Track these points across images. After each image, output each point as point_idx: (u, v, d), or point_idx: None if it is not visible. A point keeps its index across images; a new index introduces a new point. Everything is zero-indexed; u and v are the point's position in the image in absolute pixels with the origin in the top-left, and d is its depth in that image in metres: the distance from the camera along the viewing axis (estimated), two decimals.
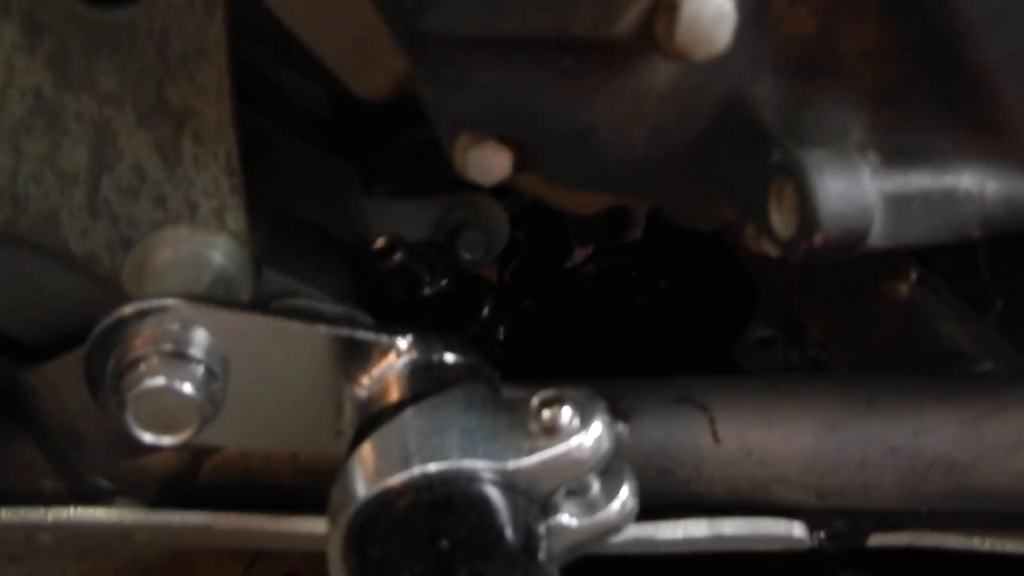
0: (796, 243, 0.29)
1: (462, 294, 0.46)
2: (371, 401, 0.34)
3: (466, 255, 0.50)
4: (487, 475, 0.30)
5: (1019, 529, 0.43)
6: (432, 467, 0.30)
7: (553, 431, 0.32)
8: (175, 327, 0.32)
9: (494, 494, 0.30)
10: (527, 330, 0.56)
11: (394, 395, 0.33)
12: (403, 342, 0.34)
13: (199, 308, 0.32)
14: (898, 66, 0.29)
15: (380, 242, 0.45)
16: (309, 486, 0.41)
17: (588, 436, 0.32)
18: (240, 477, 0.41)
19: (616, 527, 0.33)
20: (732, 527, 0.42)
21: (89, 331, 0.33)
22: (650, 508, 0.35)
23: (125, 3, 0.32)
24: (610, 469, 0.33)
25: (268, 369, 0.34)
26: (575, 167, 0.32)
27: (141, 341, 0.32)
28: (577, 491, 0.33)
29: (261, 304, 0.37)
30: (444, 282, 0.45)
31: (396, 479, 0.30)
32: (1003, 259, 0.49)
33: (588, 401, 0.32)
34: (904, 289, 0.50)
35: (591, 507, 0.33)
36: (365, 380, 0.34)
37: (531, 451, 0.31)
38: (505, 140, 0.31)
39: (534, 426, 0.32)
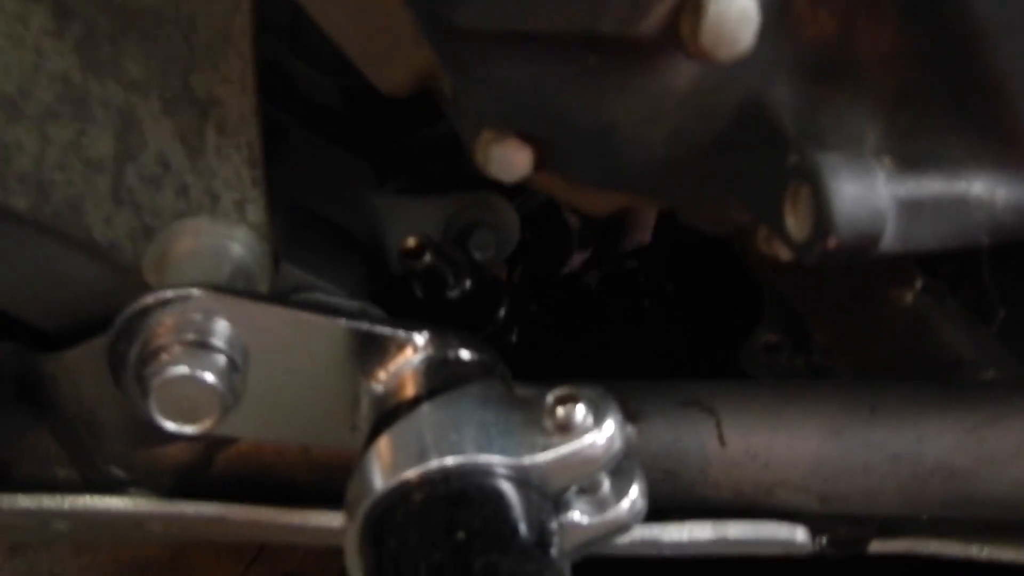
0: (810, 246, 0.29)
1: (481, 296, 0.47)
2: (387, 396, 0.34)
3: (477, 254, 0.50)
4: (502, 470, 0.31)
5: (1018, 538, 0.44)
6: (449, 461, 0.30)
7: (567, 428, 0.32)
8: (198, 316, 0.32)
9: (508, 489, 0.31)
10: (534, 332, 0.56)
11: (410, 390, 0.34)
12: (420, 338, 0.34)
13: (221, 298, 0.33)
14: (914, 71, 0.30)
15: (411, 242, 0.45)
16: (321, 480, 0.41)
17: (601, 434, 0.32)
18: (253, 470, 0.41)
19: (625, 526, 0.33)
20: (736, 530, 0.42)
21: (107, 319, 0.34)
22: (655, 510, 0.36)
23: None
24: (620, 468, 0.33)
25: (287, 361, 0.34)
26: (595, 165, 0.32)
27: (164, 330, 0.32)
28: (588, 489, 0.33)
29: (280, 297, 0.37)
30: (467, 284, 0.45)
31: (413, 472, 0.30)
32: (1006, 268, 0.50)
33: (601, 400, 0.33)
34: (909, 297, 0.51)
35: (601, 505, 0.33)
36: (382, 375, 0.34)
37: (545, 447, 0.32)
38: (526, 137, 0.31)
39: (548, 423, 0.32)
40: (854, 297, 0.52)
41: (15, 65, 0.33)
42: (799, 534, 0.43)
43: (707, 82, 0.30)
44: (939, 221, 0.30)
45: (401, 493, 0.30)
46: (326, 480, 0.41)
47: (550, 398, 0.32)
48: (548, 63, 0.29)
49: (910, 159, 0.30)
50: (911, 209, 0.30)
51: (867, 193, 0.29)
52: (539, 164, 0.32)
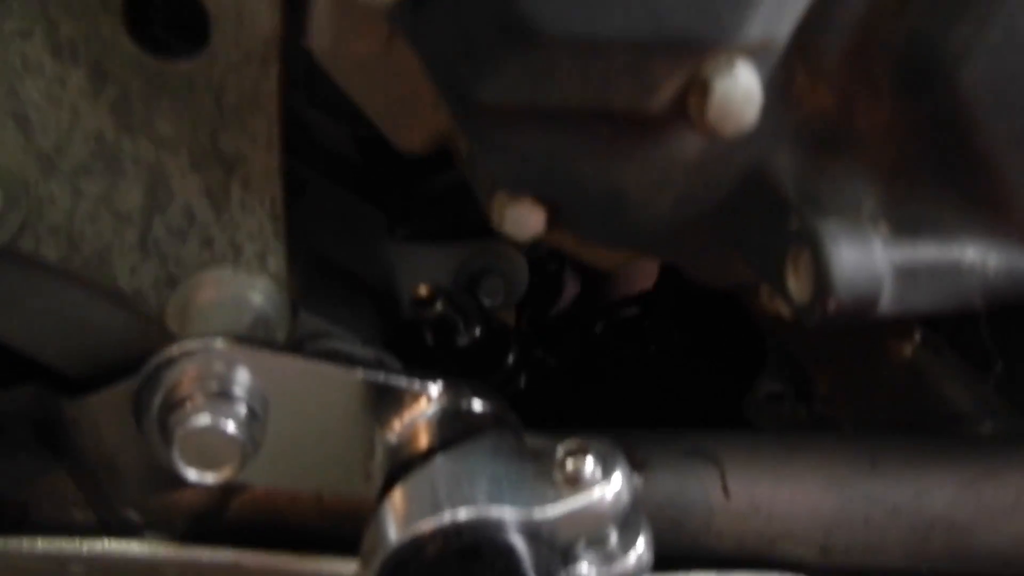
0: (811, 307, 0.31)
1: (490, 342, 0.48)
2: (401, 447, 0.35)
3: (486, 301, 0.51)
4: (513, 524, 0.31)
5: None
6: (462, 514, 0.31)
7: (576, 481, 0.33)
8: (220, 367, 0.33)
9: (519, 543, 0.31)
10: (541, 377, 0.57)
11: (423, 442, 0.34)
12: (434, 389, 0.35)
13: (243, 349, 0.34)
14: (909, 143, 0.31)
15: (423, 291, 0.46)
16: (333, 527, 0.41)
17: (610, 488, 0.33)
18: (266, 516, 0.41)
19: None
20: None
21: (127, 365, 0.34)
22: (659, 558, 0.36)
23: (187, 55, 0.34)
24: (627, 520, 0.34)
25: (304, 410, 0.35)
26: (604, 226, 0.34)
27: (188, 380, 0.33)
28: (595, 541, 0.34)
29: (296, 345, 0.38)
30: (477, 331, 0.46)
31: (426, 525, 0.31)
32: (1004, 321, 0.51)
33: (610, 453, 0.33)
34: (908, 350, 0.52)
35: (608, 558, 0.34)
36: (396, 425, 0.35)
37: (555, 499, 0.32)
38: (540, 199, 0.33)
39: (558, 475, 0.33)
40: (855, 349, 0.53)
41: (52, 123, 0.34)
42: None
43: (712, 152, 0.31)
44: (934, 286, 0.31)
45: (415, 546, 0.30)
46: (337, 527, 0.41)
47: (560, 451, 0.33)
48: (563, 134, 0.30)
49: (906, 226, 0.31)
50: (907, 274, 0.31)
51: (865, 259, 0.30)
52: (551, 224, 0.33)
